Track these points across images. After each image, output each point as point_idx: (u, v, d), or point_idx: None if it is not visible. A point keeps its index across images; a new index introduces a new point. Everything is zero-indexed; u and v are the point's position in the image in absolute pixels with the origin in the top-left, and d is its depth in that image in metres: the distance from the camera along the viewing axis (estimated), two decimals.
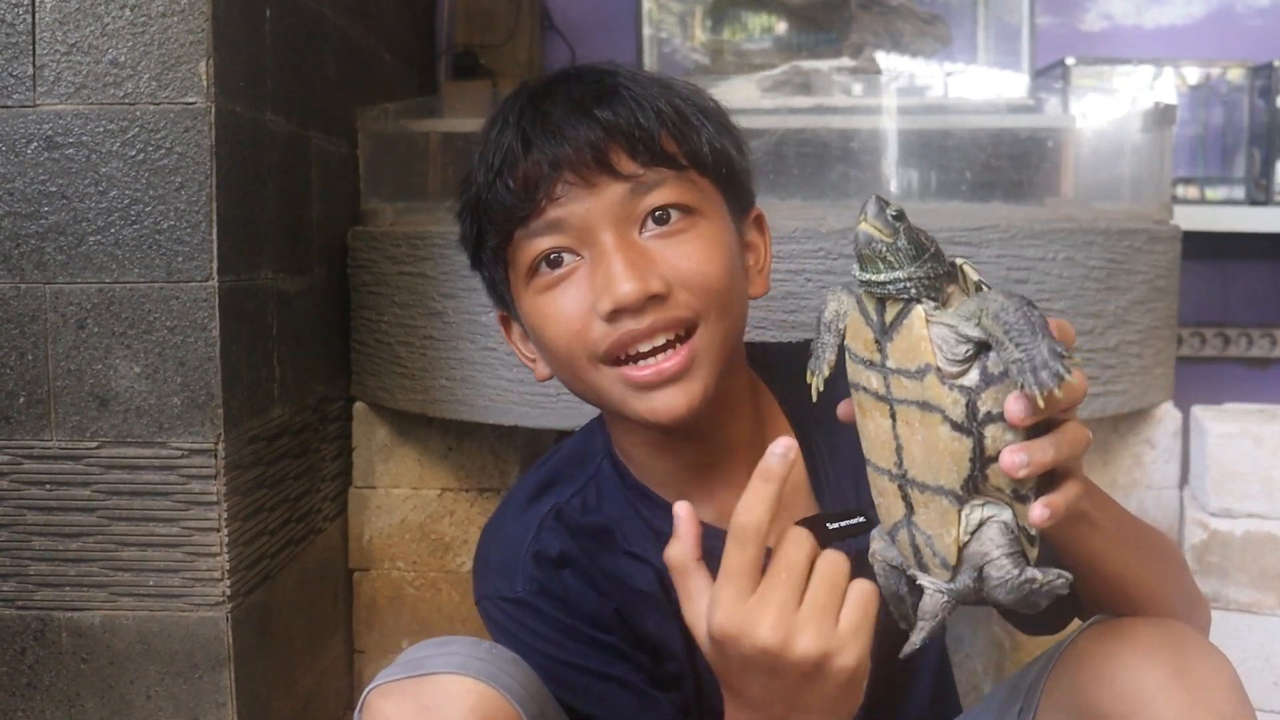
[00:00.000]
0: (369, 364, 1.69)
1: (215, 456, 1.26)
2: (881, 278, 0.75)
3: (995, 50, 2.21)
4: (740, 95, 1.73)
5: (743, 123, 1.60)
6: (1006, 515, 0.77)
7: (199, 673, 1.28)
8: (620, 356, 0.93)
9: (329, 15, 1.67)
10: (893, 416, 0.77)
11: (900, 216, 0.75)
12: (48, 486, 1.27)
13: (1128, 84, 2.30)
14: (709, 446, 1.01)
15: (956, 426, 0.74)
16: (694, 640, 1.02)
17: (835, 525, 1.00)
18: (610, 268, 0.90)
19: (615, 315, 0.90)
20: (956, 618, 1.75)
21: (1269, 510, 1.57)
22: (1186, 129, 2.33)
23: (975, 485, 0.76)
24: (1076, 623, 1.01)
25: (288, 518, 1.48)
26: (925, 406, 0.75)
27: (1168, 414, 1.66)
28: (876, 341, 0.77)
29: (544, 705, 0.96)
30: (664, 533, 1.02)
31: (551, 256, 0.93)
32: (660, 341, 0.92)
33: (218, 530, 1.27)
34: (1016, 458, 0.72)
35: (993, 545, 0.77)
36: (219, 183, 1.25)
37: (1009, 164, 1.62)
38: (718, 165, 0.98)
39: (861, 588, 0.79)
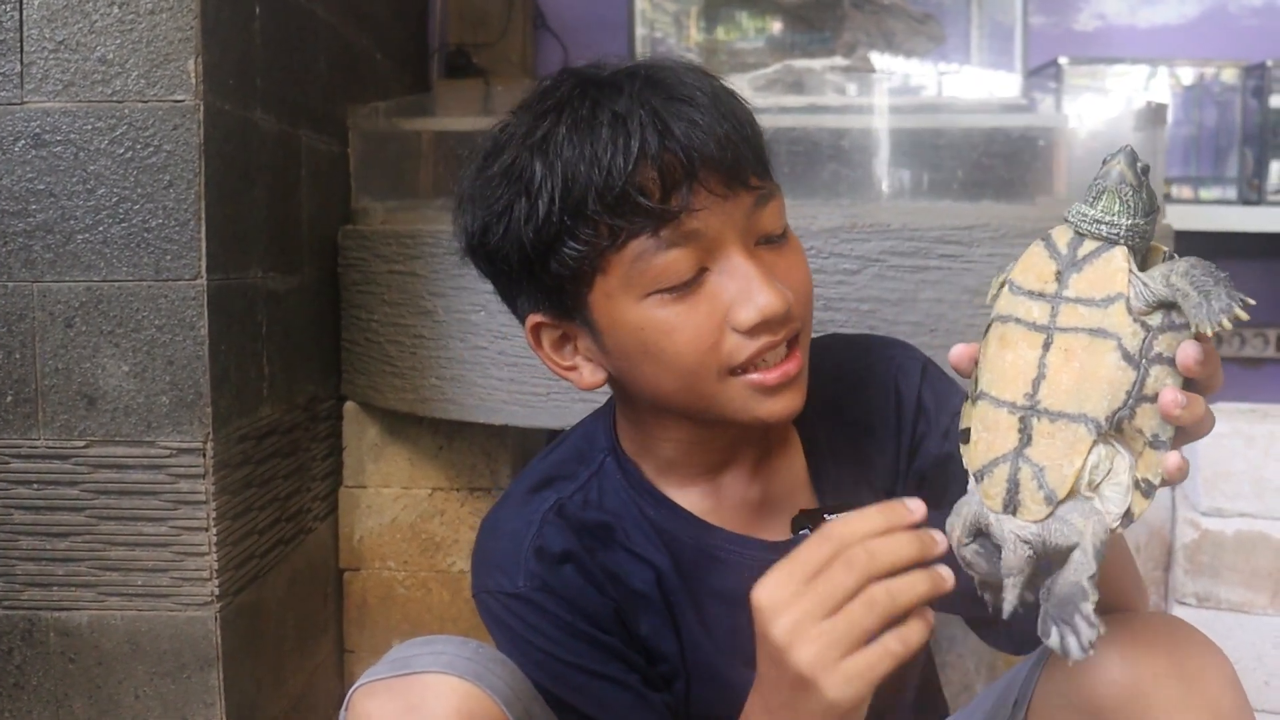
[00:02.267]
0: (359, 363, 1.68)
1: (204, 455, 1.26)
2: (1113, 219, 0.78)
3: (988, 50, 2.21)
4: None
5: None
6: (1124, 475, 0.78)
7: (187, 673, 1.27)
8: (747, 367, 0.91)
9: (320, 14, 1.66)
10: (1046, 346, 0.79)
11: (1146, 171, 0.79)
12: (35, 485, 1.26)
13: (1121, 84, 2.30)
14: (735, 442, 1.01)
15: (1127, 357, 0.76)
16: (685, 644, 1.03)
17: (834, 517, 1.00)
18: (751, 283, 0.88)
19: (758, 329, 0.89)
20: (948, 619, 1.75)
21: (1260, 510, 1.57)
22: (1180, 129, 2.33)
23: (1119, 422, 0.77)
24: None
25: (277, 517, 1.48)
26: (1099, 333, 0.77)
27: None
28: (1058, 273, 0.79)
29: (530, 705, 0.95)
30: (665, 530, 1.02)
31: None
32: (782, 349, 0.92)
33: (206, 529, 1.26)
34: (1179, 396, 0.74)
35: (1091, 538, 0.78)
36: (207, 181, 1.24)
37: (1001, 163, 1.62)
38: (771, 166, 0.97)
39: (892, 642, 0.77)
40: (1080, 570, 0.77)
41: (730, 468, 1.03)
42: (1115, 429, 0.77)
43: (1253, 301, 0.75)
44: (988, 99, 1.87)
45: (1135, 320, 0.77)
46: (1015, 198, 1.61)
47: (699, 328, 0.89)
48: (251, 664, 1.37)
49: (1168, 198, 2.27)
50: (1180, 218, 1.77)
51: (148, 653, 1.27)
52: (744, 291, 0.88)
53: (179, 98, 1.23)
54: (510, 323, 1.52)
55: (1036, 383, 0.79)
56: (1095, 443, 0.77)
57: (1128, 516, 0.78)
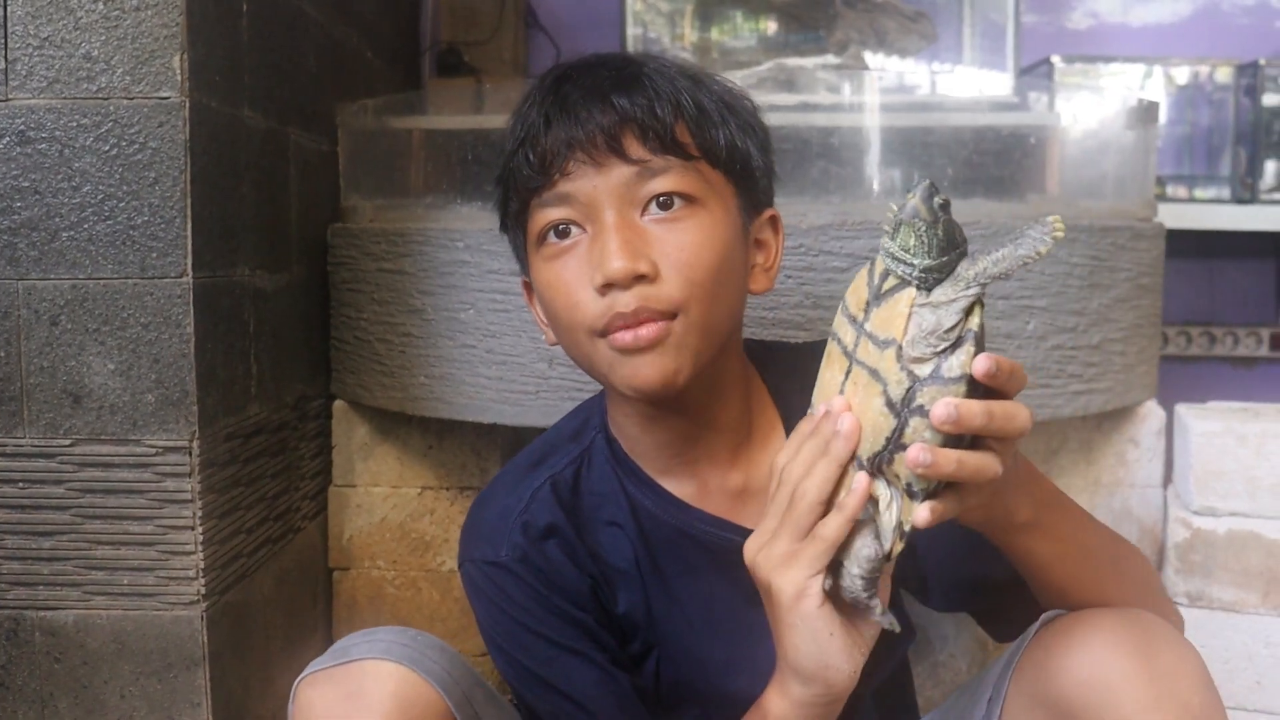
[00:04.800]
0: (348, 361, 1.68)
1: (190, 454, 1.25)
2: (907, 256, 0.78)
3: (981, 48, 2.20)
4: None
5: None
6: (892, 515, 0.81)
7: (173, 672, 1.27)
8: (610, 330, 0.96)
9: (309, 11, 1.66)
10: (847, 373, 0.81)
11: (945, 207, 0.78)
12: (20, 484, 1.26)
13: (1114, 82, 2.30)
14: (695, 424, 1.04)
15: (890, 404, 0.78)
16: (656, 619, 1.07)
17: None
18: (606, 244, 0.94)
19: (606, 289, 0.94)
20: (941, 618, 1.75)
21: (1252, 509, 1.56)
22: (1173, 127, 2.33)
23: (879, 465, 0.80)
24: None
25: (265, 516, 1.47)
26: (875, 375, 0.79)
27: (1151, 412, 1.66)
28: (867, 303, 0.81)
29: (470, 690, 1.00)
30: (643, 508, 1.06)
31: (560, 227, 0.97)
32: (643, 318, 0.95)
33: (192, 528, 1.26)
34: (922, 455, 0.76)
35: (858, 559, 0.82)
36: (194, 178, 1.24)
37: (992, 161, 1.62)
38: (732, 161, 1.01)
39: (822, 533, 0.82)
40: (862, 559, 0.82)
41: (704, 454, 1.06)
42: (877, 470, 0.80)
43: (1061, 228, 0.75)
44: (980, 97, 1.87)
45: (903, 369, 0.78)
46: (1007, 196, 1.60)
47: (568, 284, 0.97)
48: (239, 664, 1.37)
49: (1162, 197, 2.27)
50: (1173, 217, 1.76)
51: (134, 652, 1.27)
52: (600, 253, 0.94)
53: (165, 94, 1.22)
54: (499, 321, 1.52)
55: None
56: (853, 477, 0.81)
57: (888, 557, 0.82)
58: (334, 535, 1.73)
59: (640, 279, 0.93)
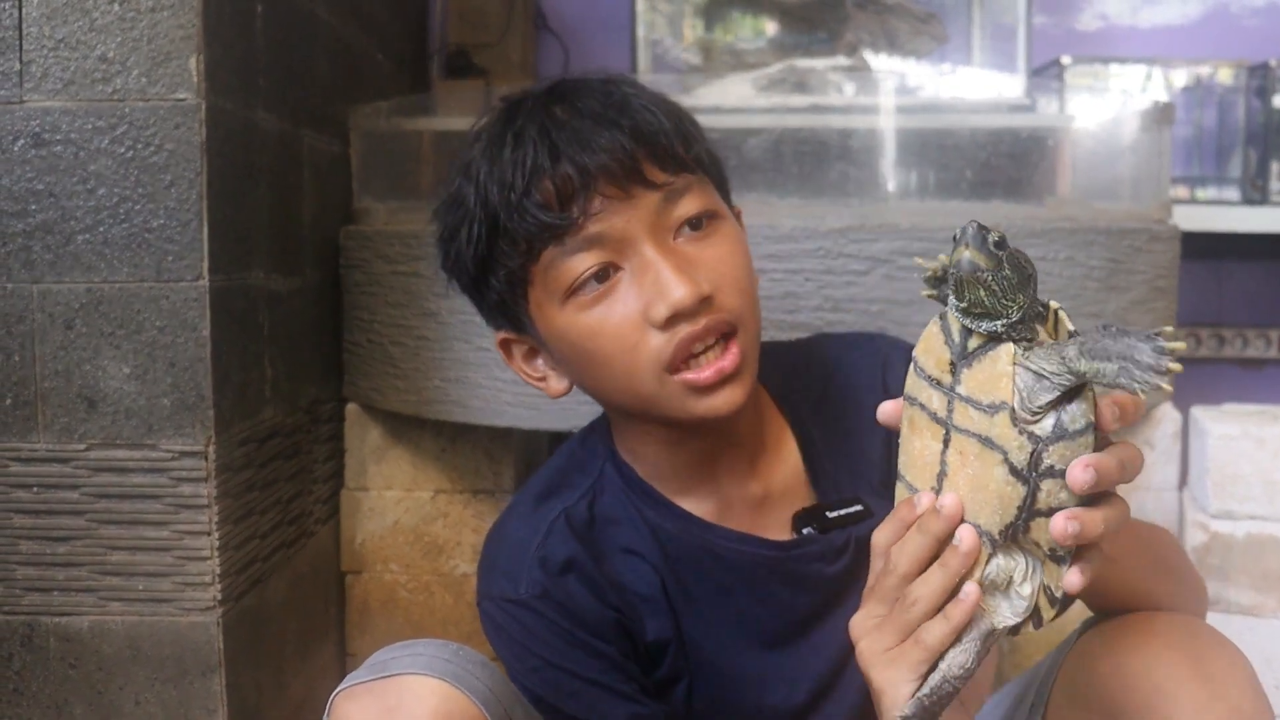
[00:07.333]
0: (362, 365, 1.67)
1: (206, 459, 1.24)
2: (986, 312, 0.72)
3: (991, 49, 2.20)
4: (735, 94, 1.72)
5: (739, 121, 1.61)
6: (1026, 585, 0.76)
7: (189, 678, 1.26)
8: (679, 364, 0.93)
9: (321, 14, 1.65)
10: (946, 442, 0.75)
11: (1002, 244, 0.70)
12: (35, 489, 1.25)
13: (1124, 84, 2.29)
14: (719, 440, 1.02)
15: (1014, 472, 0.72)
16: (686, 643, 1.04)
17: (835, 514, 1.03)
18: (660, 275, 0.90)
19: (672, 321, 0.91)
20: None
21: (1270, 512, 1.56)
22: (1181, 129, 2.31)
23: (1014, 534, 0.74)
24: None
25: (279, 521, 1.46)
26: (987, 443, 0.73)
27: (1167, 415, 1.65)
28: (952, 364, 0.75)
29: (511, 707, 0.97)
30: (664, 530, 1.03)
31: (598, 273, 0.92)
32: (711, 341, 0.93)
33: (208, 534, 1.25)
34: (1070, 525, 0.71)
35: (951, 666, 0.77)
36: (210, 181, 1.23)
37: (1008, 163, 1.61)
38: (714, 165, 1.00)
39: (925, 639, 0.77)
40: (955, 667, 0.76)
41: (725, 469, 1.04)
42: (1011, 539, 0.74)
43: (1181, 345, 0.68)
44: (996, 99, 1.86)
45: (1021, 432, 0.71)
46: (1024, 198, 1.60)
47: (618, 328, 0.92)
48: (253, 669, 1.36)
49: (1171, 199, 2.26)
50: (1182, 219, 1.75)
51: (149, 658, 1.26)
52: (655, 286, 0.91)
53: (181, 96, 1.21)
54: None
55: (940, 478, 0.76)
56: (991, 555, 0.75)
57: (1037, 619, 0.76)
58: (346, 539, 1.72)
59: (704, 301, 0.91)
